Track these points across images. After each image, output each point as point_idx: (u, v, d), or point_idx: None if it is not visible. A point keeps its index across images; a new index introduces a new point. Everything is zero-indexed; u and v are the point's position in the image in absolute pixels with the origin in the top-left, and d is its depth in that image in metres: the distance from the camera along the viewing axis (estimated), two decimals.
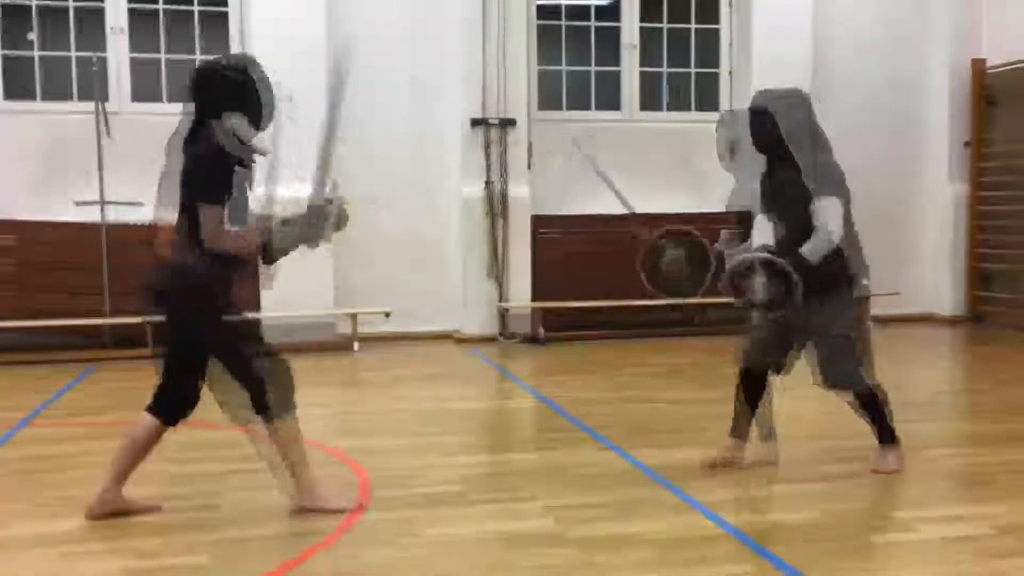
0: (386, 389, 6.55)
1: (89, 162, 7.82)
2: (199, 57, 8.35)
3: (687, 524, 3.56)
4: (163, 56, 8.30)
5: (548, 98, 9.03)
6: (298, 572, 3.16)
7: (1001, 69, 9.13)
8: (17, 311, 7.72)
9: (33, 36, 8.08)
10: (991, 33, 9.30)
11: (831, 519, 3.62)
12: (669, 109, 9.33)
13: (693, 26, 9.28)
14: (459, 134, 8.51)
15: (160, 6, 8.27)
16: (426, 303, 8.51)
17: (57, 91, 8.13)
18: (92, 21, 8.15)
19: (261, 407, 3.64)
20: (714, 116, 9.55)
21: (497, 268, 8.56)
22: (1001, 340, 8.49)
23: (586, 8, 9.09)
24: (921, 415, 5.48)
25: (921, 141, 9.60)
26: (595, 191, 8.91)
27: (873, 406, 4.14)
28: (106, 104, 7.91)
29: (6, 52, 8.13)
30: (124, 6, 8.15)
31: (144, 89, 8.26)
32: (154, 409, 3.66)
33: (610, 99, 9.11)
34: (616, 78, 9.14)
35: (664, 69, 9.23)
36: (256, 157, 3.68)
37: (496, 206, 8.54)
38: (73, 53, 8.14)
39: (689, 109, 9.28)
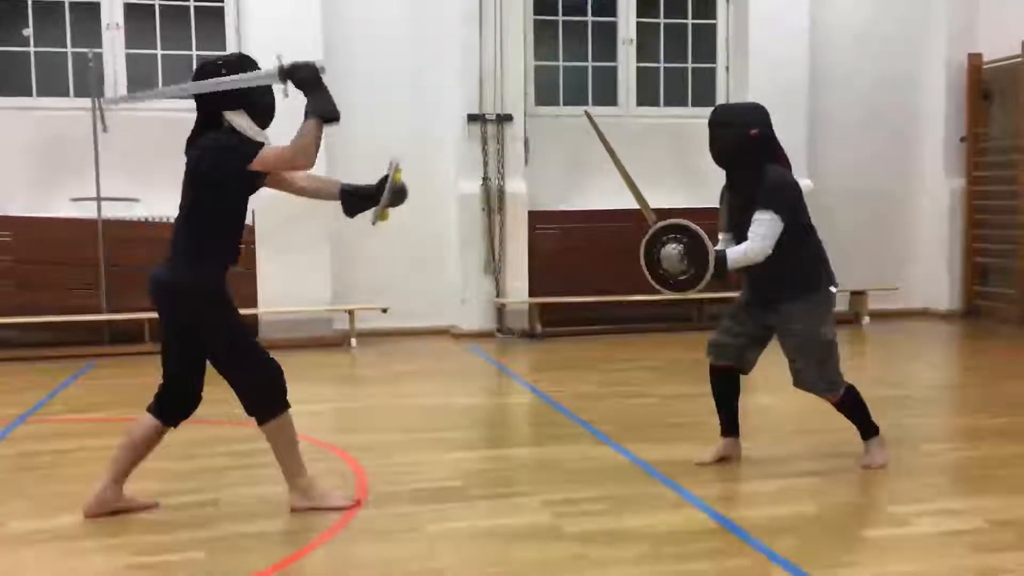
0: (384, 385, 6.55)
1: (85, 158, 7.82)
2: (195, 53, 8.34)
3: (683, 518, 3.57)
4: (159, 52, 8.29)
5: (545, 93, 9.03)
6: (296, 568, 3.17)
7: (997, 64, 9.14)
8: (14, 307, 7.72)
9: (29, 32, 8.07)
10: (987, 28, 9.31)
11: (826, 513, 3.64)
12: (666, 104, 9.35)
13: (690, 21, 9.28)
14: (456, 130, 8.51)
15: (156, 1, 8.26)
16: (424, 299, 8.52)
17: (53, 87, 8.12)
18: (88, 17, 8.14)
19: (252, 408, 3.63)
20: (710, 111, 9.60)
21: (494, 264, 8.57)
22: (997, 335, 8.51)
23: (583, 3, 9.08)
24: (917, 410, 5.50)
25: (918, 136, 9.61)
26: (593, 187, 9.00)
27: (854, 405, 4.15)
28: (102, 100, 7.90)
29: (1, 48, 8.12)
30: (120, 2, 8.15)
31: (140, 85, 8.24)
32: (155, 409, 3.66)
33: (607, 94, 9.11)
34: (613, 73, 9.15)
35: (661, 64, 9.23)
36: None
37: (493, 202, 8.54)
38: (69, 49, 8.12)
39: (686, 104, 9.29)
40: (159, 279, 3.58)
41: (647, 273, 4.01)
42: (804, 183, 4.74)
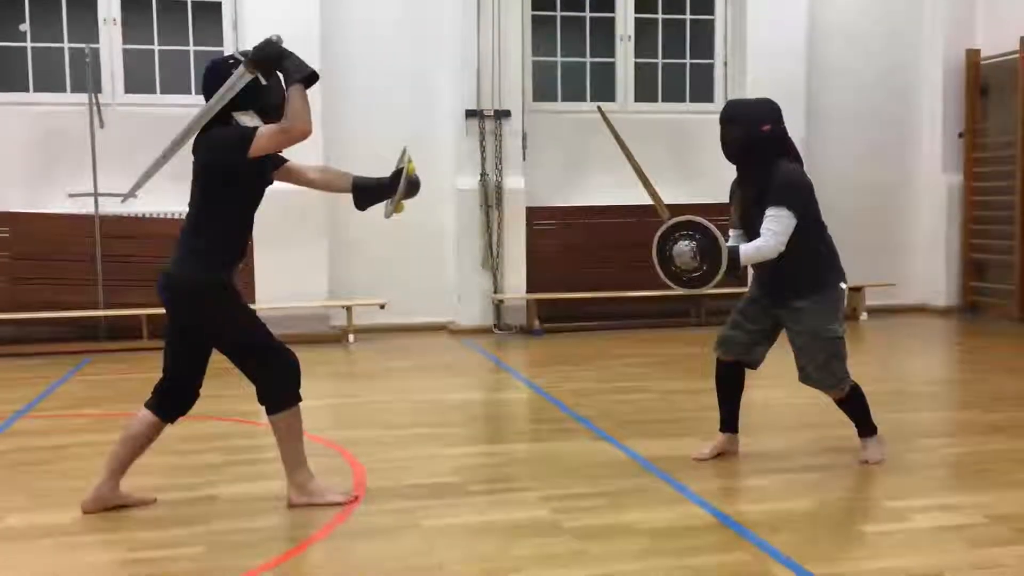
0: (381, 381, 6.55)
1: (82, 154, 7.81)
2: (192, 49, 8.33)
3: (682, 514, 3.57)
4: (156, 47, 8.28)
5: (543, 89, 9.02)
6: (294, 564, 3.17)
7: (995, 60, 9.14)
8: (11, 303, 7.71)
9: (25, 27, 8.05)
10: (985, 24, 9.31)
11: (824, 508, 3.64)
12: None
13: (688, 17, 9.27)
14: (454, 125, 8.50)
15: None
16: (421, 295, 8.51)
17: (50, 83, 8.10)
18: (84, 12, 8.12)
19: (265, 398, 3.62)
20: (708, 107, 9.63)
21: (492, 260, 8.56)
22: (995, 330, 8.51)
23: None
24: (914, 405, 5.51)
25: (915, 132, 9.61)
26: (591, 183, 9.00)
27: (857, 403, 4.16)
28: (99, 95, 7.89)
29: None
30: None
31: (137, 80, 8.24)
32: (153, 404, 3.65)
33: (605, 90, 9.11)
34: (611, 69, 9.14)
35: (659, 60, 9.22)
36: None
37: (491, 198, 8.54)
38: (66, 44, 8.11)
39: (684, 100, 9.28)
40: (168, 276, 3.57)
41: (659, 270, 4.00)
42: None
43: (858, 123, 9.38)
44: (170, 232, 8.01)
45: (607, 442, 4.63)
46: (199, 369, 3.68)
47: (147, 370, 6.84)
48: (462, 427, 5.18)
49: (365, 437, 4.78)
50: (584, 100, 9.09)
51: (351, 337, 8.07)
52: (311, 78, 3.46)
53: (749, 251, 3.87)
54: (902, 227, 9.64)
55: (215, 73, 3.55)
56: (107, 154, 7.87)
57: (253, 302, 8.08)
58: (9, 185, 7.91)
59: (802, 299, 4.00)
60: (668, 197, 9.98)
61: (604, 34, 9.11)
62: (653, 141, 9.06)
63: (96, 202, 7.82)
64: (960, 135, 9.44)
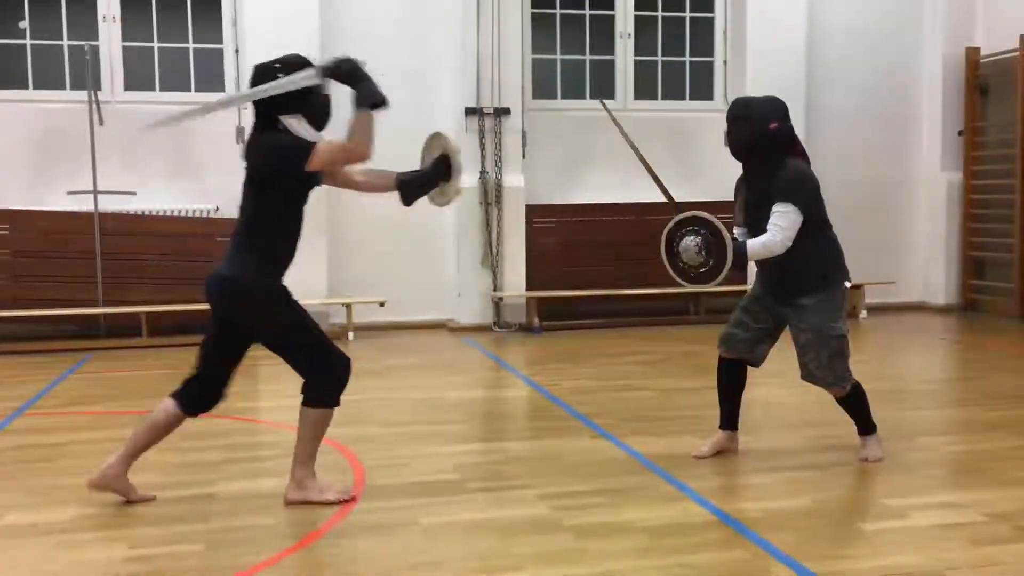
0: (381, 379, 6.55)
1: (82, 151, 7.80)
2: (192, 46, 8.32)
3: (680, 511, 3.57)
4: (156, 45, 8.27)
5: (542, 87, 9.02)
6: (294, 561, 3.17)
7: (995, 58, 9.14)
8: (10, 301, 7.71)
9: (25, 25, 8.04)
10: (985, 22, 9.31)
11: (822, 506, 3.64)
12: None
13: (688, 15, 9.27)
14: (453, 123, 8.49)
15: None
16: (421, 293, 8.51)
17: (49, 80, 8.09)
18: (84, 9, 8.11)
19: (308, 390, 3.63)
20: (708, 105, 9.64)
21: (491, 257, 8.56)
22: (994, 328, 8.52)
23: None
24: (914, 403, 5.51)
25: (915, 130, 9.62)
26: (591, 181, 9.00)
27: (858, 402, 4.16)
28: (99, 93, 7.88)
29: None
30: None
31: (137, 78, 8.23)
32: (180, 397, 3.66)
33: (604, 88, 9.10)
34: (611, 67, 9.14)
35: (659, 58, 9.22)
36: None
37: (491, 195, 8.54)
38: (65, 42, 8.10)
39: (683, 98, 9.28)
40: (220, 276, 3.59)
41: (667, 265, 4.00)
42: None
43: (857, 121, 9.38)
44: (169, 230, 8.10)
45: (606, 440, 4.64)
46: (231, 370, 3.72)
47: (147, 367, 6.90)
48: (461, 425, 5.18)
49: (364, 435, 4.78)
50: (584, 98, 9.09)
51: (351, 335, 8.07)
52: (381, 103, 3.51)
53: (756, 247, 3.87)
54: (901, 225, 9.64)
55: (261, 77, 3.57)
56: (106, 151, 7.87)
57: None
58: (8, 182, 7.91)
59: (807, 296, 3.99)
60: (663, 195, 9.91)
61: (604, 31, 9.11)
62: (653, 139, 9.04)
63: (96, 199, 7.81)
64: (959, 133, 9.44)
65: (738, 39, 9.11)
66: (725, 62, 9.26)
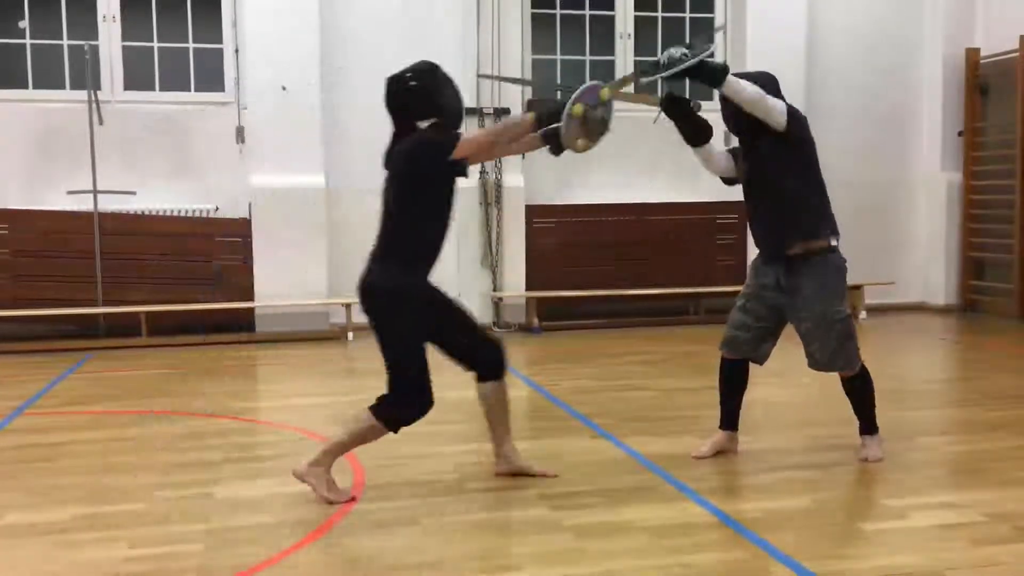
0: (380, 378, 6.51)
1: (81, 151, 7.80)
2: (192, 46, 8.32)
3: (680, 511, 3.57)
4: (155, 44, 8.27)
5: (542, 88, 9.01)
6: (293, 561, 3.17)
7: (994, 59, 9.14)
8: (10, 300, 7.72)
9: (25, 24, 8.04)
10: (985, 23, 9.31)
11: (822, 506, 3.64)
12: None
13: (688, 16, 9.27)
14: None
15: None
16: None
17: (49, 79, 8.09)
18: (84, 9, 8.11)
19: (380, 400, 3.69)
20: (708, 105, 9.56)
21: (491, 258, 8.56)
22: (994, 329, 8.52)
23: None
24: (914, 403, 5.51)
25: (915, 130, 9.61)
26: (591, 182, 8.99)
27: (864, 390, 4.15)
28: (98, 92, 7.88)
29: None
30: None
31: (136, 77, 8.23)
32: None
33: None
34: (611, 67, 9.14)
35: (659, 58, 9.19)
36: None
37: (491, 196, 8.54)
38: (65, 41, 8.10)
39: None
40: (364, 283, 3.68)
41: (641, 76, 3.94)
42: None
43: (857, 121, 9.37)
44: (169, 230, 8.10)
45: (606, 440, 4.64)
46: (472, 340, 3.85)
47: (146, 367, 6.90)
48: (461, 424, 5.17)
49: None
50: None
51: (350, 335, 8.06)
52: (548, 135, 3.64)
53: (736, 79, 3.80)
54: (901, 226, 9.64)
55: (397, 90, 3.70)
56: (106, 151, 7.87)
57: (252, 300, 8.09)
58: (8, 182, 7.92)
59: (808, 265, 3.95)
60: (668, 194, 9.99)
61: (604, 32, 9.11)
62: (653, 138, 9.06)
63: (95, 199, 7.82)
64: (959, 134, 9.44)
65: (738, 40, 9.11)
66: (725, 62, 9.23)
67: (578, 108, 3.59)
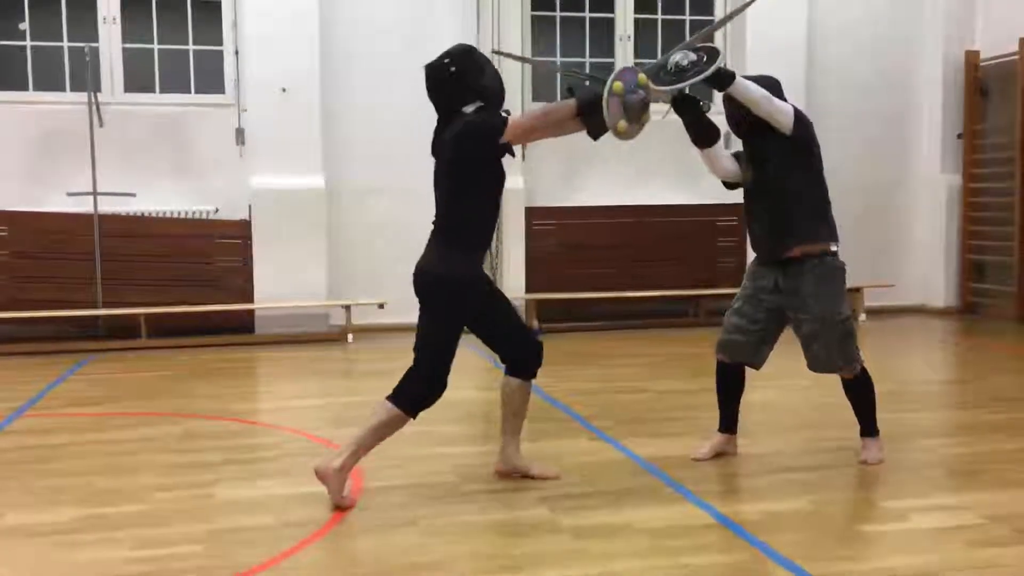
0: (380, 380, 6.49)
1: (82, 152, 7.81)
2: (192, 48, 8.33)
3: (679, 513, 3.57)
4: (156, 46, 8.28)
5: (542, 89, 9.02)
6: (293, 562, 3.17)
7: (994, 61, 9.15)
8: (10, 302, 7.72)
9: (25, 26, 8.05)
10: (984, 25, 9.32)
11: (821, 508, 3.64)
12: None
13: (688, 18, 9.28)
14: None
15: None
16: None
17: (49, 81, 8.10)
18: (84, 11, 8.11)
19: (398, 386, 3.71)
20: (713, 107, 9.61)
21: (491, 260, 8.56)
22: (993, 331, 8.52)
23: None
24: (914, 405, 5.51)
25: (914, 132, 9.62)
26: (590, 184, 8.99)
27: (865, 390, 4.15)
28: (98, 94, 7.89)
29: None
30: None
31: (137, 79, 8.24)
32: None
33: None
34: (611, 69, 9.09)
35: (666, 62, 9.20)
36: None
37: None
38: (65, 43, 8.10)
39: None
40: (422, 271, 3.72)
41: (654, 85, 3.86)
42: None
43: (857, 123, 9.38)
44: (169, 231, 8.10)
45: (605, 442, 4.64)
46: (512, 333, 3.88)
47: (146, 369, 6.90)
48: (460, 426, 5.18)
49: None
50: None
51: (350, 336, 8.07)
52: (588, 118, 3.61)
53: (746, 82, 3.83)
54: (901, 228, 9.64)
55: (437, 77, 3.71)
56: (106, 153, 7.87)
57: (252, 301, 8.09)
58: (8, 184, 7.91)
59: (805, 267, 3.95)
60: (668, 196, 10.00)
61: (603, 34, 9.12)
62: (653, 141, 9.05)
63: (95, 201, 7.82)
64: (959, 136, 9.45)
65: (738, 42, 9.12)
66: (725, 64, 9.23)
67: (618, 85, 3.59)
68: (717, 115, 4.07)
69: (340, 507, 3.63)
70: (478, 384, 6.64)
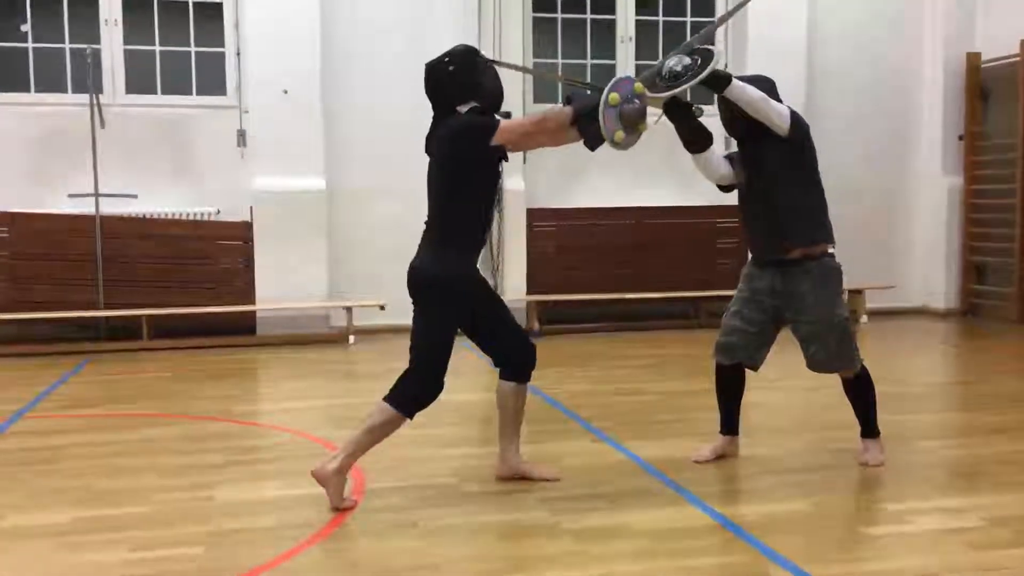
0: (381, 381, 6.47)
1: (83, 154, 7.81)
2: (193, 49, 8.34)
3: (680, 515, 3.57)
4: (157, 48, 8.28)
5: (543, 91, 9.02)
6: (293, 564, 3.17)
7: (995, 63, 9.15)
8: (11, 303, 7.72)
9: (27, 28, 8.06)
10: (985, 27, 9.32)
11: (823, 510, 3.64)
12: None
13: (689, 19, 9.28)
14: None
15: None
16: None
17: (51, 83, 8.11)
18: (86, 12, 8.12)
19: (393, 388, 3.70)
20: (709, 109, 9.58)
21: (492, 261, 8.56)
22: (995, 333, 8.51)
23: (582, 0, 9.08)
24: (914, 407, 5.50)
25: (915, 134, 9.62)
26: (591, 185, 9.00)
27: (866, 391, 4.15)
28: (100, 96, 7.89)
29: None
30: None
31: (138, 81, 8.25)
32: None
33: None
34: (612, 71, 9.14)
35: (662, 67, 9.20)
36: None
37: None
38: (67, 45, 8.11)
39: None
40: (414, 269, 3.69)
41: (649, 91, 3.79)
42: None
43: (858, 125, 9.38)
44: (170, 233, 8.10)
45: (606, 443, 4.64)
46: (507, 335, 3.88)
47: (147, 370, 6.90)
48: (461, 428, 5.18)
49: None
50: None
51: (351, 338, 8.07)
52: (584, 128, 3.56)
53: (741, 84, 3.79)
54: (902, 229, 9.64)
55: (435, 76, 3.70)
56: (108, 154, 7.88)
57: (254, 302, 8.10)
58: (9, 185, 7.92)
59: (803, 270, 3.95)
60: (667, 198, 10.00)
61: (605, 36, 9.12)
62: (653, 142, 9.03)
63: (97, 202, 7.83)
64: (960, 138, 9.45)
65: (739, 44, 9.12)
66: (725, 66, 9.24)
67: (614, 96, 3.57)
68: (711, 117, 4.06)
69: (340, 508, 3.62)
70: (478, 385, 6.64)
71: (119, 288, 7.92)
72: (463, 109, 3.67)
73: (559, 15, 9.06)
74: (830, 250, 4.05)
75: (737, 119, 3.99)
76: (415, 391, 3.69)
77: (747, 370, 4.24)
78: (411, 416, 3.72)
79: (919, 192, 9.62)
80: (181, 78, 8.32)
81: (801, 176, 3.99)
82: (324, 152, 8.23)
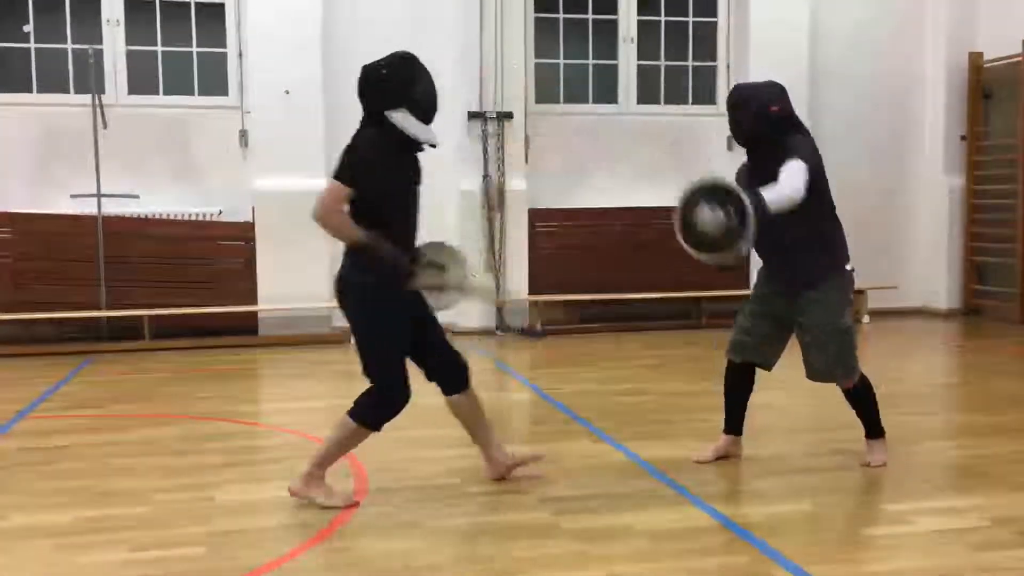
0: None
1: (85, 154, 7.82)
2: (195, 50, 8.34)
3: (682, 516, 3.57)
4: (159, 49, 8.29)
5: (545, 91, 9.03)
6: (294, 564, 3.17)
7: (997, 63, 9.14)
8: (13, 304, 7.72)
9: (29, 28, 8.06)
10: (988, 27, 9.31)
11: (825, 511, 3.64)
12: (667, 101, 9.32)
13: (691, 19, 9.27)
14: (457, 127, 8.50)
15: None
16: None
17: (53, 83, 8.11)
18: (88, 13, 8.13)
19: (356, 402, 3.68)
20: (711, 109, 9.64)
21: (494, 261, 8.56)
22: (996, 333, 8.50)
23: (584, 1, 9.08)
24: (916, 407, 5.50)
25: (917, 134, 9.61)
26: (593, 185, 9.00)
27: (866, 396, 4.14)
28: (102, 96, 7.90)
29: (2, 44, 8.12)
30: None
31: (140, 81, 8.25)
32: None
33: (607, 92, 9.11)
34: (614, 71, 9.14)
35: (662, 62, 9.22)
36: (426, 147, 3.75)
37: (493, 200, 8.54)
38: (69, 45, 8.12)
39: (686, 103, 9.28)
40: (337, 277, 3.69)
41: (682, 239, 3.68)
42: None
43: (860, 125, 9.37)
44: (172, 233, 8.11)
45: (608, 444, 4.63)
46: (438, 348, 3.82)
47: (148, 370, 6.91)
48: (460, 428, 5.16)
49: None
50: (587, 102, 9.10)
51: (352, 339, 8.05)
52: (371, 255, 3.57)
53: (773, 195, 3.54)
54: (904, 229, 9.64)
55: (367, 79, 3.63)
56: (110, 155, 7.89)
57: (255, 303, 8.10)
58: (12, 185, 7.93)
59: (818, 284, 3.94)
60: (668, 199, 9.96)
61: (607, 36, 9.12)
62: (655, 143, 9.08)
63: (99, 203, 7.83)
64: (962, 138, 9.44)
65: (741, 44, 9.11)
66: (728, 67, 9.26)
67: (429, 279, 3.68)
68: (719, 116, 4.03)
69: (336, 508, 3.63)
70: (481, 387, 6.64)
71: (121, 288, 7.93)
72: (394, 115, 3.59)
73: (561, 15, 9.06)
74: (847, 268, 4.04)
75: (744, 129, 3.95)
76: (374, 403, 3.65)
77: (758, 370, 4.23)
78: (378, 428, 3.71)
79: (920, 192, 9.61)
80: (183, 79, 8.32)
81: (815, 213, 3.87)
82: (326, 152, 8.22)
